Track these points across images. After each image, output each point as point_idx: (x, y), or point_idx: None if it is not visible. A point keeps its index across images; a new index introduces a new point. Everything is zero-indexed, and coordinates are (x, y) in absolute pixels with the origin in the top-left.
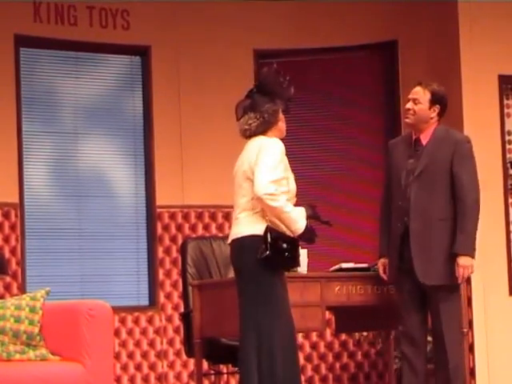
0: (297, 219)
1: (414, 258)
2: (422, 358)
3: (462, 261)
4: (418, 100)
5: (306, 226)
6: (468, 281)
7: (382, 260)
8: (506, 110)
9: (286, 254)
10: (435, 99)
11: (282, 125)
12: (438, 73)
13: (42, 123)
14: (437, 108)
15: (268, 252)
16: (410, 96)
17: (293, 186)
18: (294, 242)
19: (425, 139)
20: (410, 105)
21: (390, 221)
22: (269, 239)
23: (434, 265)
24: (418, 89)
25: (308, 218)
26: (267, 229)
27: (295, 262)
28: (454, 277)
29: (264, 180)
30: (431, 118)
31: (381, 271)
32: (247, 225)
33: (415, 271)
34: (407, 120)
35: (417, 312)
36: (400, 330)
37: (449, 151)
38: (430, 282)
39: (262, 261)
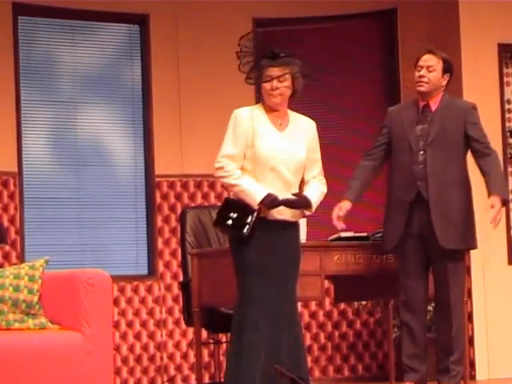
0: (248, 192)
1: (434, 223)
2: (423, 326)
3: (496, 203)
4: (433, 67)
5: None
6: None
7: (346, 203)
8: (505, 79)
9: (230, 223)
10: (447, 67)
11: (263, 92)
12: (438, 41)
13: (41, 92)
14: (447, 76)
15: (218, 226)
16: (423, 63)
17: (258, 153)
18: (247, 211)
19: (434, 105)
20: (423, 72)
21: (369, 174)
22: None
23: (453, 229)
24: (430, 56)
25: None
26: (224, 200)
27: (241, 230)
28: (467, 241)
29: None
30: (442, 86)
31: (335, 213)
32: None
33: (436, 236)
34: (421, 88)
35: (420, 281)
36: (401, 298)
37: (459, 118)
38: (450, 246)
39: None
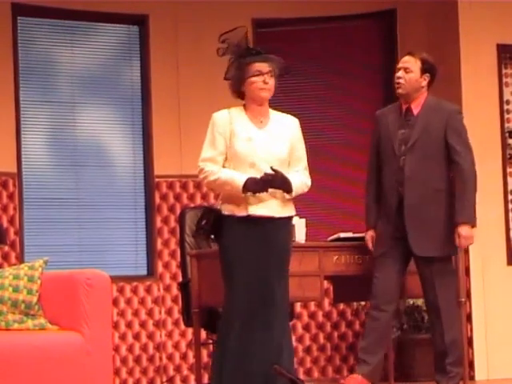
0: (228, 181)
1: (408, 230)
2: (387, 319)
3: (463, 231)
4: (409, 69)
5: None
6: (466, 250)
7: (371, 233)
8: (504, 80)
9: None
10: (426, 68)
11: (248, 89)
12: (437, 42)
13: (40, 93)
14: (427, 77)
15: (195, 237)
16: (401, 65)
17: (236, 150)
18: (210, 215)
19: (416, 109)
20: (400, 73)
21: (378, 192)
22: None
23: (428, 236)
24: (408, 58)
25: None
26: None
27: (207, 234)
28: (448, 248)
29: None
30: (422, 87)
31: (369, 245)
32: None
33: (409, 243)
34: (399, 90)
35: (392, 276)
36: (373, 292)
37: (442, 122)
38: (424, 254)
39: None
